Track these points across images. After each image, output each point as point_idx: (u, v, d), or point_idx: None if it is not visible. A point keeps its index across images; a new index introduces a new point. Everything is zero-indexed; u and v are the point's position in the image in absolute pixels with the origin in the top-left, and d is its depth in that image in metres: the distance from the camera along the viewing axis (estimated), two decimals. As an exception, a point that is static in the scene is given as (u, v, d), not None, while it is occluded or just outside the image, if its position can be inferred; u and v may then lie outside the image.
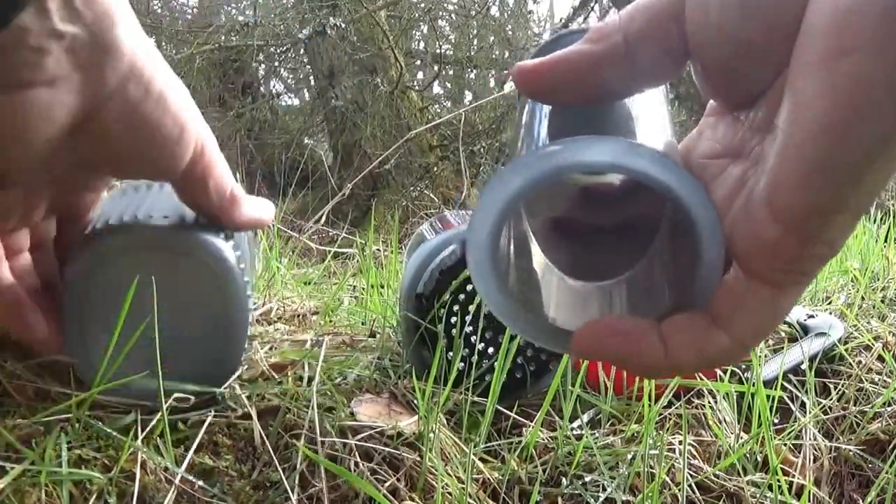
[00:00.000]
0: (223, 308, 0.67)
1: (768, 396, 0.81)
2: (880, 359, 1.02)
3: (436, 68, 7.29)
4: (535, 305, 0.44)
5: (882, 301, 1.21)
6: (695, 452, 0.79)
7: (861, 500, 0.83)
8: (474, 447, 0.71)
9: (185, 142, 0.62)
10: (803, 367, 0.93)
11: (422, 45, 7.62)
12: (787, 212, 0.37)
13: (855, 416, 0.92)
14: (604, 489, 0.70)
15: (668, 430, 0.78)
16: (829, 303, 1.23)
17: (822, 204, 0.36)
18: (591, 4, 6.41)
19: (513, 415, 0.77)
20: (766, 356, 0.99)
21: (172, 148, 0.62)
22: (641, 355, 0.41)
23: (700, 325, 0.41)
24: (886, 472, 0.79)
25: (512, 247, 0.45)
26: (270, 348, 0.86)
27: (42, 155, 0.58)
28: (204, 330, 0.67)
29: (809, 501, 0.76)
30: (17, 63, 0.51)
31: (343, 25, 6.39)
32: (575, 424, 0.78)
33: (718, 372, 0.87)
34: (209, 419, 0.67)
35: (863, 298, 1.21)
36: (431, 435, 0.68)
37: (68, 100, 0.55)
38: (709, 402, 0.84)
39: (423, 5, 7.16)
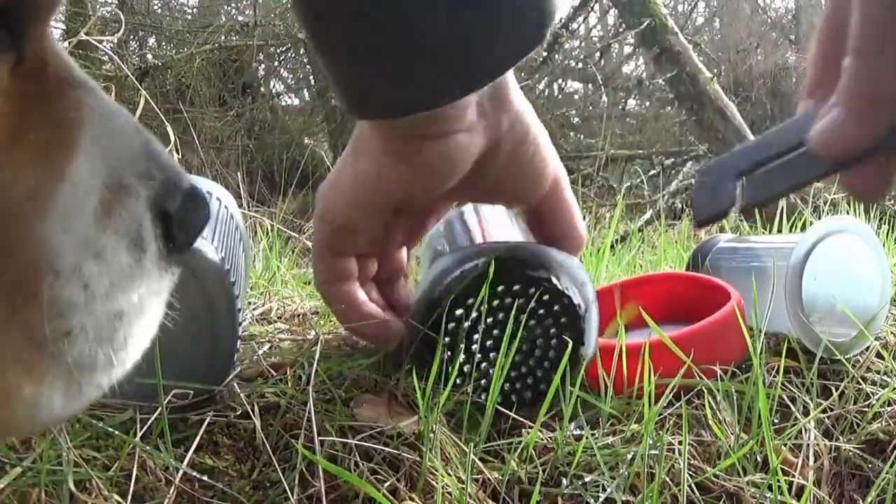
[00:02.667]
0: (208, 312, 0.66)
1: (768, 396, 0.81)
2: (880, 357, 1.01)
3: (436, 68, 7.26)
4: None
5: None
6: (695, 452, 0.79)
7: (861, 500, 0.83)
8: (474, 447, 0.71)
9: (545, 176, 0.76)
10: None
11: (422, 45, 7.60)
12: None
13: (855, 416, 0.91)
14: (604, 489, 0.70)
15: (668, 430, 0.78)
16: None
17: None
18: (591, 4, 6.41)
19: (513, 415, 0.77)
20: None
21: (537, 179, 0.76)
22: None
23: None
24: (886, 472, 0.79)
25: None
26: (270, 348, 0.86)
27: (450, 186, 0.73)
28: (189, 334, 0.66)
29: (809, 501, 0.76)
30: (450, 116, 0.67)
31: (343, 25, 6.35)
32: (572, 426, 0.78)
33: (718, 371, 0.87)
34: (209, 419, 0.67)
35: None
36: (431, 435, 0.68)
37: (479, 141, 0.70)
38: (709, 402, 0.83)
39: None
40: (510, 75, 0.71)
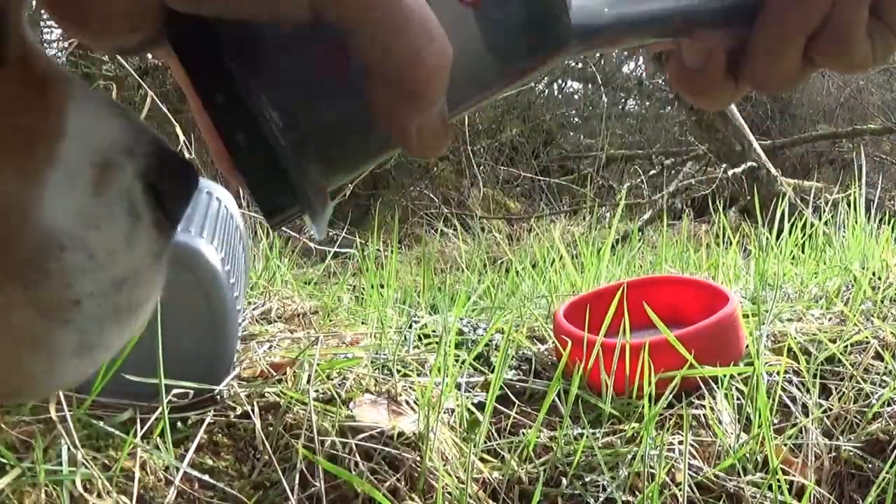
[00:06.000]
0: (208, 312, 0.66)
1: (768, 396, 0.81)
2: (879, 358, 1.02)
3: (436, 68, 7.26)
4: None
5: (882, 301, 1.21)
6: (695, 452, 0.79)
7: (861, 500, 0.83)
8: (474, 447, 0.71)
9: None
10: None
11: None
12: None
13: (855, 417, 0.91)
14: (604, 489, 0.70)
15: (668, 430, 0.78)
16: (830, 303, 1.23)
17: None
18: (592, 4, 6.38)
19: (513, 414, 0.77)
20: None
21: None
22: None
23: None
24: (886, 472, 0.79)
25: None
26: (270, 347, 0.86)
27: None
28: (189, 334, 0.67)
29: (809, 501, 0.76)
30: None
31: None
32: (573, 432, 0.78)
33: (719, 371, 0.87)
34: (209, 419, 0.67)
35: (863, 299, 1.21)
36: (431, 435, 0.68)
37: None
38: (709, 402, 0.84)
39: None
40: None
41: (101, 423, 0.63)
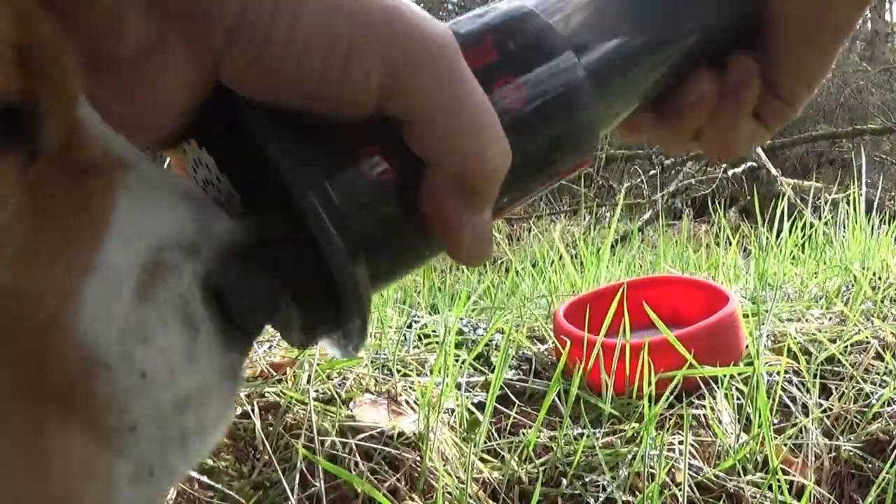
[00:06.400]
0: None
1: (768, 395, 0.81)
2: (879, 358, 1.02)
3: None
4: None
5: (882, 301, 1.21)
6: (695, 453, 0.79)
7: (861, 500, 0.83)
8: (474, 447, 0.71)
9: None
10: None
11: (422, 45, 7.61)
12: None
13: (855, 417, 0.91)
14: (604, 489, 0.70)
15: (668, 430, 0.78)
16: (830, 303, 1.23)
17: None
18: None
19: (513, 414, 0.77)
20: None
21: None
22: None
23: None
24: (886, 472, 0.79)
25: None
26: (270, 347, 0.86)
27: None
28: None
29: (809, 501, 0.76)
30: None
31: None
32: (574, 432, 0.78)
33: (718, 371, 0.87)
34: (209, 419, 0.67)
35: (863, 299, 1.21)
36: (431, 435, 0.68)
37: None
38: (709, 402, 0.84)
39: (422, 5, 7.16)
40: None
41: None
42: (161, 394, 0.32)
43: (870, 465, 0.86)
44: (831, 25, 0.44)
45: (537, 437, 0.74)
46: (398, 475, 0.66)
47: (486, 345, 0.93)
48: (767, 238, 1.70)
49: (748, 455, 0.78)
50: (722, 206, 2.72)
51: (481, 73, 0.36)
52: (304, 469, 0.64)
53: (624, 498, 0.70)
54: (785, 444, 0.83)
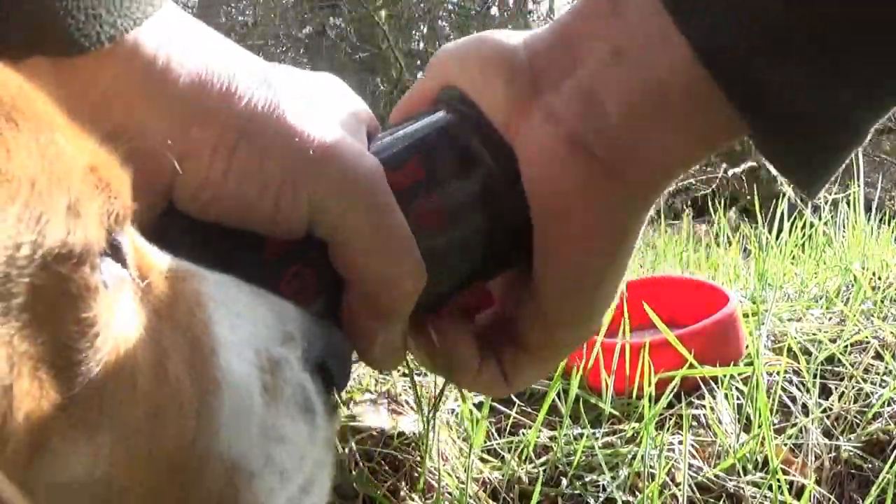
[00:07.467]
0: None
1: (768, 395, 0.81)
2: (879, 358, 1.02)
3: (436, 68, 7.26)
4: None
5: (882, 301, 1.21)
6: (695, 452, 0.79)
7: (861, 500, 0.83)
8: (474, 447, 0.71)
9: None
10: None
11: (421, 45, 7.61)
12: None
13: (855, 417, 0.91)
14: (604, 489, 0.70)
15: (668, 430, 0.78)
16: (830, 303, 1.23)
17: None
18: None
19: (513, 414, 0.77)
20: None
21: None
22: None
23: None
24: (886, 472, 0.79)
25: None
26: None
27: None
28: None
29: (810, 501, 0.76)
30: None
31: (343, 25, 6.39)
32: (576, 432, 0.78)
33: (718, 371, 0.87)
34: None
35: (863, 299, 1.21)
36: (431, 435, 0.68)
37: None
38: (709, 402, 0.84)
39: (422, 5, 7.16)
40: None
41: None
42: (294, 484, 0.33)
43: (870, 465, 0.86)
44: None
45: (537, 437, 0.74)
46: (398, 475, 0.66)
47: (486, 345, 0.93)
48: (767, 238, 1.70)
49: (748, 455, 0.78)
50: (722, 206, 2.72)
51: (406, 194, 0.39)
52: (304, 469, 0.64)
53: (624, 498, 0.70)
54: (785, 444, 0.83)
